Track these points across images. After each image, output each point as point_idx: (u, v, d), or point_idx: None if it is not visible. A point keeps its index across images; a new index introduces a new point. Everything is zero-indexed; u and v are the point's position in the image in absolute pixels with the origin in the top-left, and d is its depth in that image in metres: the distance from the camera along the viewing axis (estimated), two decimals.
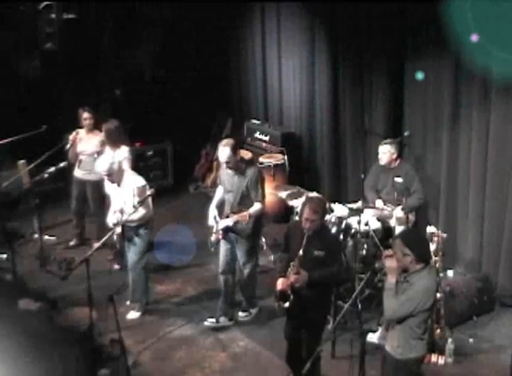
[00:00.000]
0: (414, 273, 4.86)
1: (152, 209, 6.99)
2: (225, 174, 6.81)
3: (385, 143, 7.56)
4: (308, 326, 5.75)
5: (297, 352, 5.87)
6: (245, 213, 6.56)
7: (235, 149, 6.60)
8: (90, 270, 5.71)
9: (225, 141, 6.67)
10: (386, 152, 7.54)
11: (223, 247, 6.89)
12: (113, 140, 7.81)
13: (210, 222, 6.83)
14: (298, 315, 5.73)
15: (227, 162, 6.58)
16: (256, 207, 6.66)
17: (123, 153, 7.79)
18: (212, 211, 6.87)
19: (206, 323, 6.99)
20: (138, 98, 10.80)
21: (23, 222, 8.94)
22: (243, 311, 7.13)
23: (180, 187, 10.46)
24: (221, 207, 6.93)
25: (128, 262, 7.11)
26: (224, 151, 6.55)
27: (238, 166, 6.67)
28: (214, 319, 6.98)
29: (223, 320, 7.00)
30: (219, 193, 6.98)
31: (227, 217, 6.73)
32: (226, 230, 6.75)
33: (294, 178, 8.83)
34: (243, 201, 6.68)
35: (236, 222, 6.63)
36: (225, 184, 6.83)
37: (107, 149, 7.87)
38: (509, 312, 7.17)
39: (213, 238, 6.83)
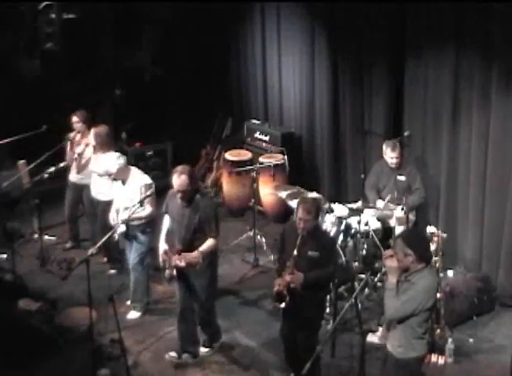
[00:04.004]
0: (415, 273, 4.87)
1: (156, 209, 6.93)
2: (174, 203, 6.18)
3: (394, 148, 7.53)
4: (304, 325, 5.77)
5: (294, 352, 5.88)
6: (196, 254, 5.93)
7: (192, 176, 6.01)
8: (90, 270, 5.70)
9: (180, 168, 6.03)
10: (398, 156, 7.55)
11: (178, 283, 6.31)
12: (101, 144, 7.74)
13: (161, 257, 6.17)
14: (294, 315, 5.75)
15: (183, 191, 5.96)
16: (209, 243, 6.03)
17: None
18: (162, 244, 6.26)
19: (167, 356, 6.48)
20: (138, 98, 10.80)
21: (23, 222, 8.92)
22: (205, 347, 6.56)
23: None
24: (170, 236, 6.32)
25: (130, 262, 7.09)
26: (180, 179, 5.93)
27: (191, 197, 6.06)
28: (175, 354, 6.48)
29: (186, 357, 6.48)
30: (167, 223, 6.38)
31: (178, 253, 6.03)
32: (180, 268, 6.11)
33: (294, 178, 8.82)
34: (196, 236, 6.06)
35: (189, 264, 5.97)
36: (174, 214, 6.21)
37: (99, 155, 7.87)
38: (509, 312, 7.17)
39: (166, 274, 6.20)
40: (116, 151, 7.52)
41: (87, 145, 7.96)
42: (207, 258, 6.09)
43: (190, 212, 6.05)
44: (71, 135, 8.21)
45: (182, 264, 5.96)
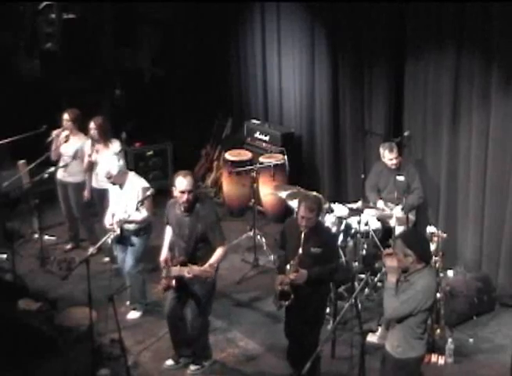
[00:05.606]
0: (415, 273, 4.87)
1: (152, 214, 6.92)
2: (174, 213, 6.06)
3: (392, 149, 7.55)
4: (308, 320, 5.81)
5: (298, 349, 5.90)
6: (208, 269, 5.73)
7: (195, 179, 6.04)
8: (90, 270, 5.70)
9: (183, 171, 5.99)
10: (397, 156, 7.57)
11: (173, 293, 6.17)
12: (106, 135, 7.90)
13: (161, 264, 6.11)
14: (298, 311, 5.77)
15: (189, 191, 5.83)
16: (218, 253, 5.90)
17: (117, 147, 7.90)
18: (164, 253, 6.20)
19: (164, 366, 6.43)
20: (138, 98, 10.80)
21: (23, 222, 8.93)
22: (195, 364, 6.35)
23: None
24: (173, 247, 6.21)
25: (125, 266, 7.07)
26: (187, 179, 5.85)
27: (192, 204, 5.94)
28: (173, 362, 6.42)
29: (183, 360, 6.43)
30: (169, 233, 6.26)
31: (182, 264, 5.86)
32: (180, 278, 5.93)
33: (294, 178, 8.83)
34: (198, 245, 5.94)
35: (195, 276, 5.78)
36: (174, 225, 6.09)
37: (101, 148, 7.91)
38: (509, 312, 7.18)
39: (163, 283, 6.05)
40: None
41: (97, 151, 7.96)
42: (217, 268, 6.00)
43: (190, 221, 5.94)
44: (56, 132, 8.18)
45: (190, 276, 5.76)
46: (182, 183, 5.86)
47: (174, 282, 5.97)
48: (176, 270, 5.90)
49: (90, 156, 7.95)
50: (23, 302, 6.99)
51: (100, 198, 7.85)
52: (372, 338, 6.36)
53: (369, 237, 7.37)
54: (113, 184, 6.96)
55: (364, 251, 7.41)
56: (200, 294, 6.09)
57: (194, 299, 6.12)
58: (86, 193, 8.15)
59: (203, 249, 5.95)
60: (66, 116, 8.11)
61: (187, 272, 5.76)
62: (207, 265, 5.78)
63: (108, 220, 6.95)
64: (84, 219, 8.44)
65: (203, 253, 5.93)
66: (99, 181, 7.86)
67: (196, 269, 5.76)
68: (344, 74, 8.78)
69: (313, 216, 5.66)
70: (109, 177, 6.89)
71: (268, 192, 9.00)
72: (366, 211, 7.40)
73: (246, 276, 8.05)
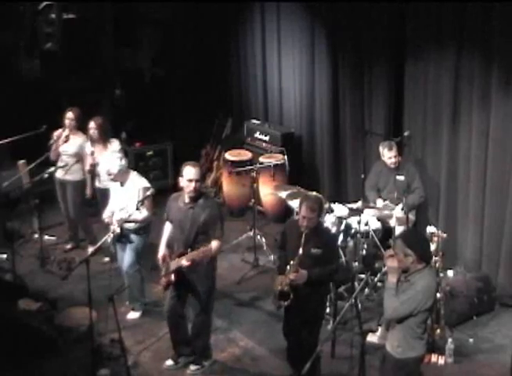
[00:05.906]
0: (415, 273, 4.88)
1: (152, 213, 6.93)
2: (176, 207, 6.09)
3: (391, 148, 7.56)
4: (307, 321, 5.81)
5: (297, 350, 5.90)
6: (206, 248, 5.76)
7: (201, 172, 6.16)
8: (90, 270, 5.70)
9: (191, 162, 6.05)
10: (396, 155, 7.57)
11: (173, 292, 6.17)
12: (106, 135, 7.95)
13: (160, 262, 6.14)
14: (297, 312, 5.78)
15: (197, 180, 5.88)
16: (214, 244, 5.88)
17: (117, 146, 7.93)
18: (161, 249, 6.19)
19: (164, 366, 6.41)
20: (138, 98, 10.80)
21: (23, 222, 8.93)
22: (195, 364, 6.32)
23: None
24: (171, 243, 6.21)
25: (123, 264, 7.08)
26: (195, 168, 5.93)
27: (197, 197, 5.99)
28: (172, 362, 6.41)
29: (183, 360, 6.41)
30: (168, 230, 6.28)
31: (181, 255, 5.87)
32: (179, 272, 5.92)
33: (294, 178, 8.83)
34: (199, 238, 5.93)
35: (194, 261, 5.77)
36: (176, 218, 6.08)
37: (100, 148, 7.94)
38: (509, 312, 7.18)
39: (162, 281, 6.08)
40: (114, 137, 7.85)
41: (92, 153, 7.99)
42: (213, 258, 6.03)
43: (193, 214, 5.94)
44: (57, 133, 8.20)
45: (188, 263, 5.75)
46: (190, 172, 5.91)
47: (173, 277, 5.96)
48: (174, 263, 5.92)
49: (92, 165, 7.97)
50: (23, 302, 6.99)
51: (103, 198, 7.84)
52: (372, 338, 6.36)
53: (369, 237, 7.37)
54: (114, 181, 6.99)
55: (364, 251, 7.42)
56: (201, 290, 6.09)
57: (194, 296, 6.13)
58: (88, 191, 8.17)
59: (202, 242, 5.92)
60: (70, 114, 8.12)
61: (185, 260, 5.76)
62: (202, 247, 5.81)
63: (106, 215, 6.98)
64: (81, 220, 8.44)
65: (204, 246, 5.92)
66: (101, 181, 7.88)
67: (193, 252, 5.76)
68: (344, 74, 8.79)
69: (314, 216, 5.66)
70: (109, 174, 6.93)
71: (268, 192, 9.00)
72: (366, 211, 7.40)
73: (246, 276, 8.04)
